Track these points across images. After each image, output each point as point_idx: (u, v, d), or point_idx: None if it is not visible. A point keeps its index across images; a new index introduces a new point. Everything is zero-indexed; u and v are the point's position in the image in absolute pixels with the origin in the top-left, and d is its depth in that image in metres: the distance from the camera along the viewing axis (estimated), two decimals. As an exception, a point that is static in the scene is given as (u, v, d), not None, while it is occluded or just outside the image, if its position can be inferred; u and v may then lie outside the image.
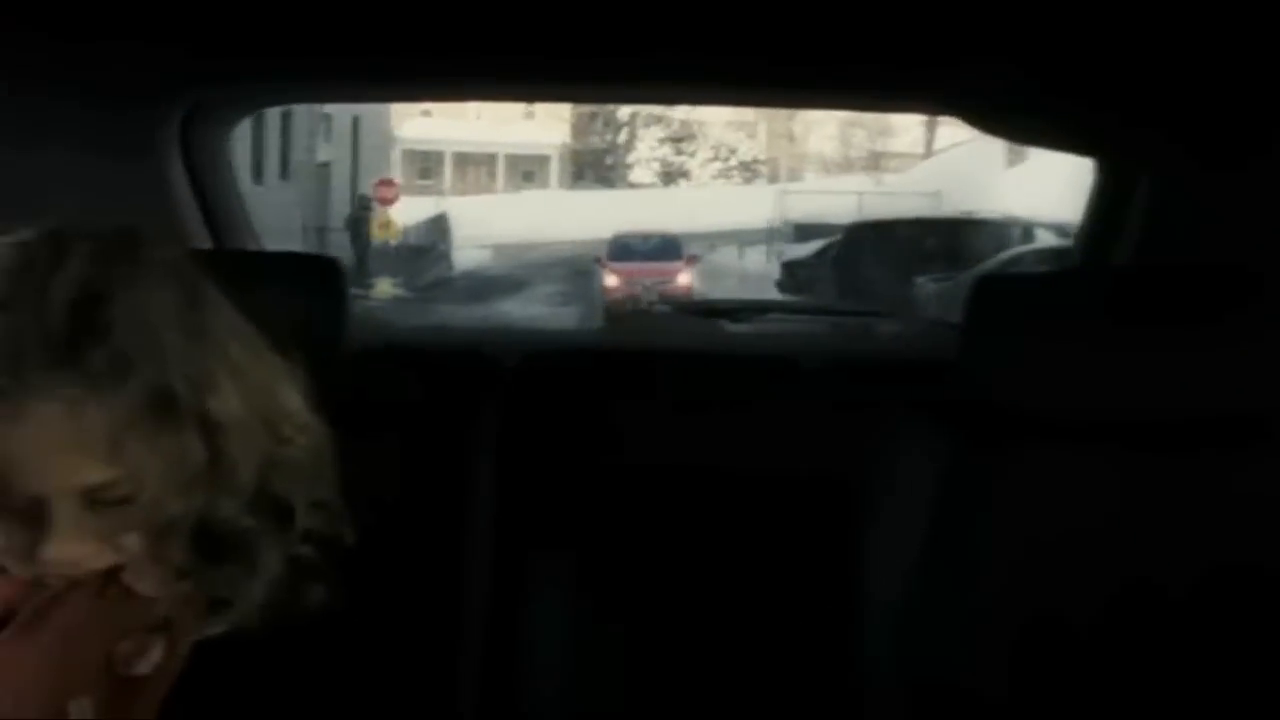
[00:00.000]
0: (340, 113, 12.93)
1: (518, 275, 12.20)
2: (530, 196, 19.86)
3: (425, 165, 22.60)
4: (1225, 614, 0.99)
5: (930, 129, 16.85)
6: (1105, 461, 1.03)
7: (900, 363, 1.33)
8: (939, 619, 1.03)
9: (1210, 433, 0.98)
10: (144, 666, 0.80)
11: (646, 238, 11.11)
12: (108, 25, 1.14)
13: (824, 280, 9.70)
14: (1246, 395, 0.97)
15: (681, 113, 21.82)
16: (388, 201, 12.24)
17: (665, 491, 1.22)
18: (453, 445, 1.06)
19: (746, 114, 19.90)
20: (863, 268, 8.41)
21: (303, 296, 1.05)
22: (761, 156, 21.87)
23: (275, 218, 9.11)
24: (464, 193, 21.36)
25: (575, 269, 12.27)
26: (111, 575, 0.79)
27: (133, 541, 0.78)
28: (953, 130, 13.35)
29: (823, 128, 20.16)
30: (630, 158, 23.51)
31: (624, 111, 22.43)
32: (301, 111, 11.13)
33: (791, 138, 20.71)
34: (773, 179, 20.67)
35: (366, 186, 12.83)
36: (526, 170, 23.02)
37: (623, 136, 23.90)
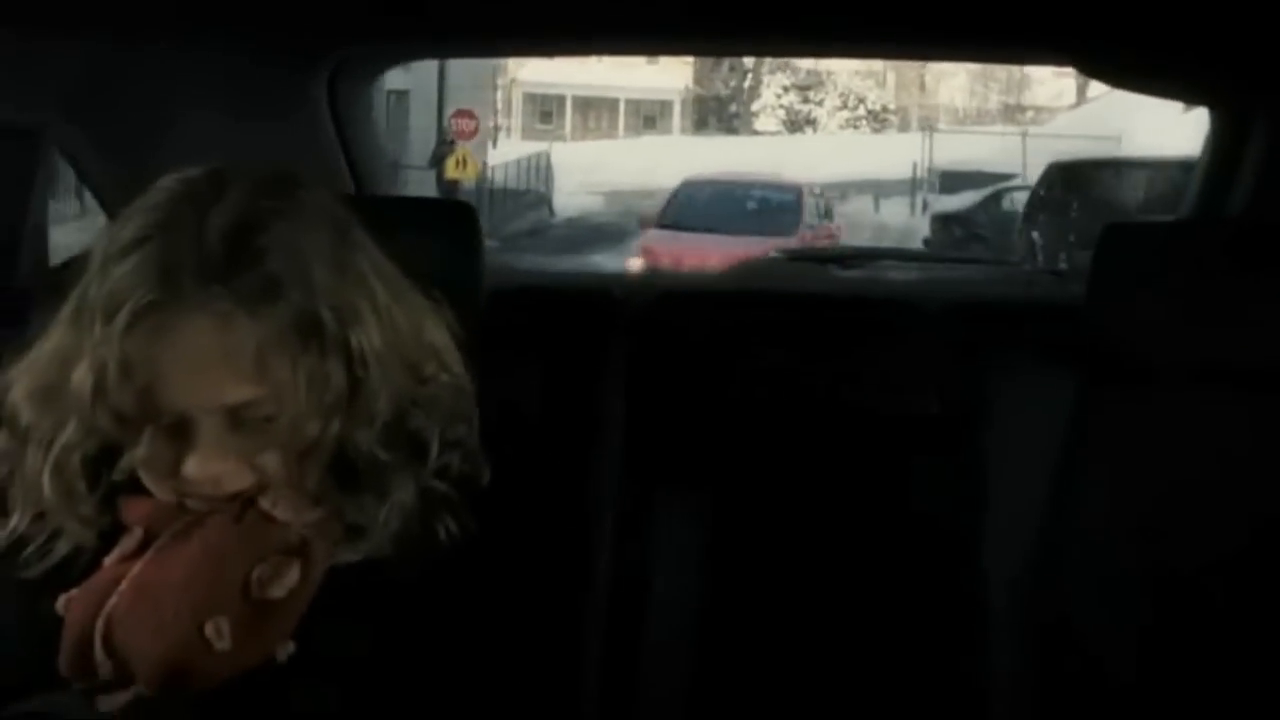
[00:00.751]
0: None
1: (624, 224, 11.71)
2: (650, 142, 19.73)
3: (545, 109, 22.74)
4: None
5: (1081, 78, 16.07)
6: (1231, 407, 1.07)
7: (1015, 307, 1.37)
8: (1060, 561, 1.09)
9: None
10: (279, 590, 0.82)
11: (743, 188, 7.95)
12: None
13: (986, 235, 8.61)
14: None
15: (808, 60, 21.47)
16: (466, 135, 11.18)
17: (788, 430, 1.27)
18: (583, 385, 1.12)
19: (875, 63, 19.53)
20: (1069, 215, 7.24)
21: (441, 240, 1.11)
22: (891, 105, 21.36)
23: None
24: (584, 137, 21.48)
25: None
26: (250, 500, 0.83)
27: (272, 462, 0.82)
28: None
29: (953, 79, 19.59)
30: (755, 105, 23.27)
31: (749, 58, 22.17)
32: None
33: (922, 87, 20.18)
34: (903, 129, 20.25)
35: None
36: (648, 115, 22.93)
37: (747, 83, 23.64)
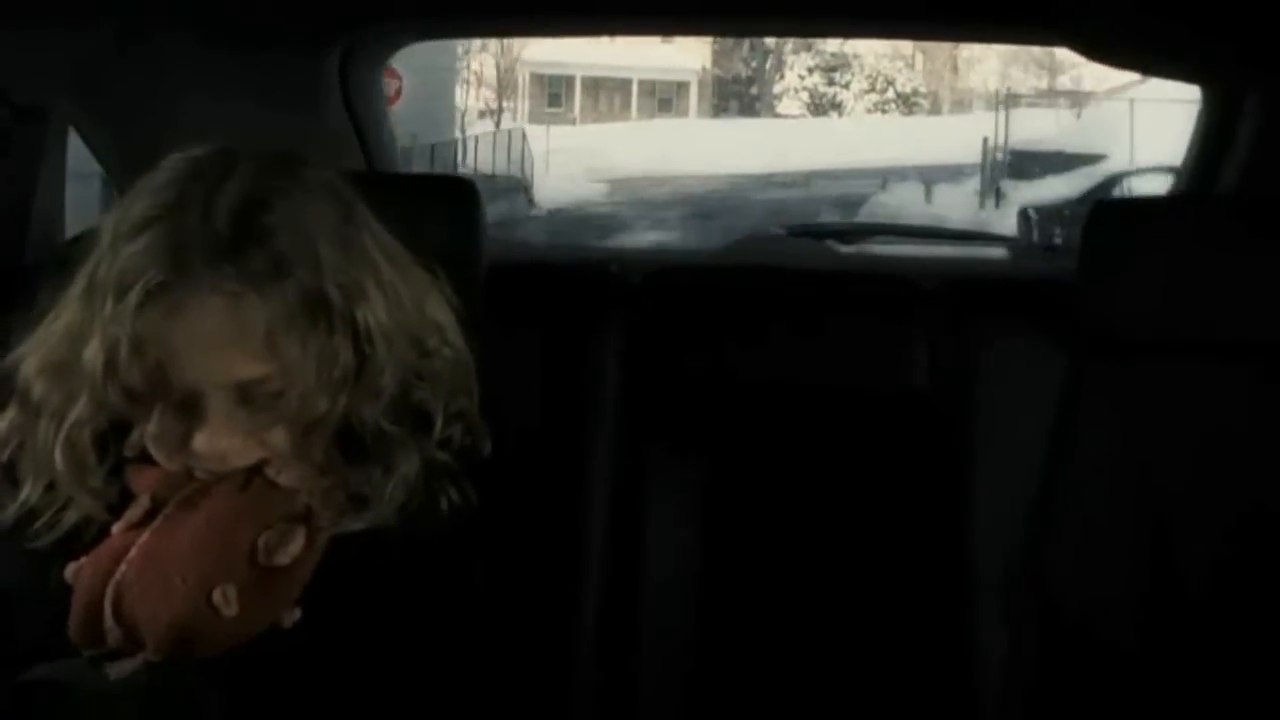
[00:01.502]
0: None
1: (622, 216, 11.24)
2: (663, 125, 19.55)
3: (554, 90, 22.37)
4: None
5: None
6: (1220, 380, 1.17)
7: (1010, 283, 1.45)
8: (1051, 534, 1.17)
9: None
10: (284, 557, 0.87)
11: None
12: None
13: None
14: None
15: (834, 41, 21.46)
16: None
17: (781, 403, 1.36)
18: (581, 358, 1.22)
19: (904, 46, 19.55)
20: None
21: (443, 216, 1.19)
22: (922, 89, 21.35)
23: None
24: (596, 120, 21.21)
25: (696, 210, 11.20)
26: (255, 469, 0.89)
27: (279, 438, 0.88)
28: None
29: (984, 63, 19.68)
30: (778, 87, 23.23)
31: (771, 38, 22.18)
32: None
33: (955, 69, 20.24)
34: (934, 113, 20.29)
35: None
36: (664, 98, 22.64)
37: (769, 64, 23.60)
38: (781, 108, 22.84)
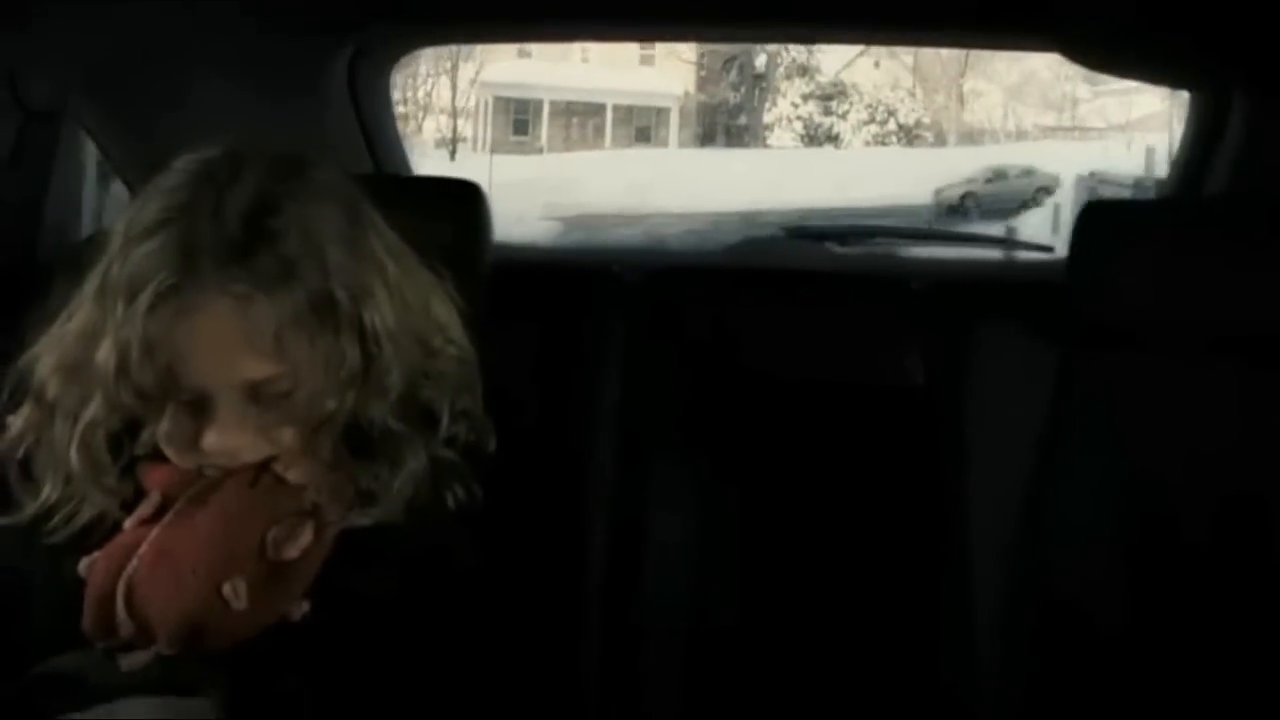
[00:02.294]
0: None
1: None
2: (641, 156, 19.29)
3: (520, 116, 21.90)
4: None
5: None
6: (1209, 376, 1.34)
7: (1004, 283, 1.67)
8: (1045, 526, 1.34)
9: None
10: (293, 551, 0.99)
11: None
12: None
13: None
14: None
15: (829, 66, 21.68)
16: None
17: (779, 400, 1.55)
18: (582, 357, 1.40)
19: (905, 75, 20.01)
20: None
21: (448, 217, 1.36)
22: (926, 120, 21.60)
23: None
24: (568, 149, 20.85)
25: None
26: (265, 465, 1.00)
27: (288, 435, 1.00)
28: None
29: (987, 97, 20.17)
30: (768, 116, 23.25)
31: (760, 60, 22.00)
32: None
33: (961, 100, 20.64)
34: (938, 145, 20.55)
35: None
36: (641, 125, 22.34)
37: (759, 90, 23.54)
38: (773, 139, 22.78)
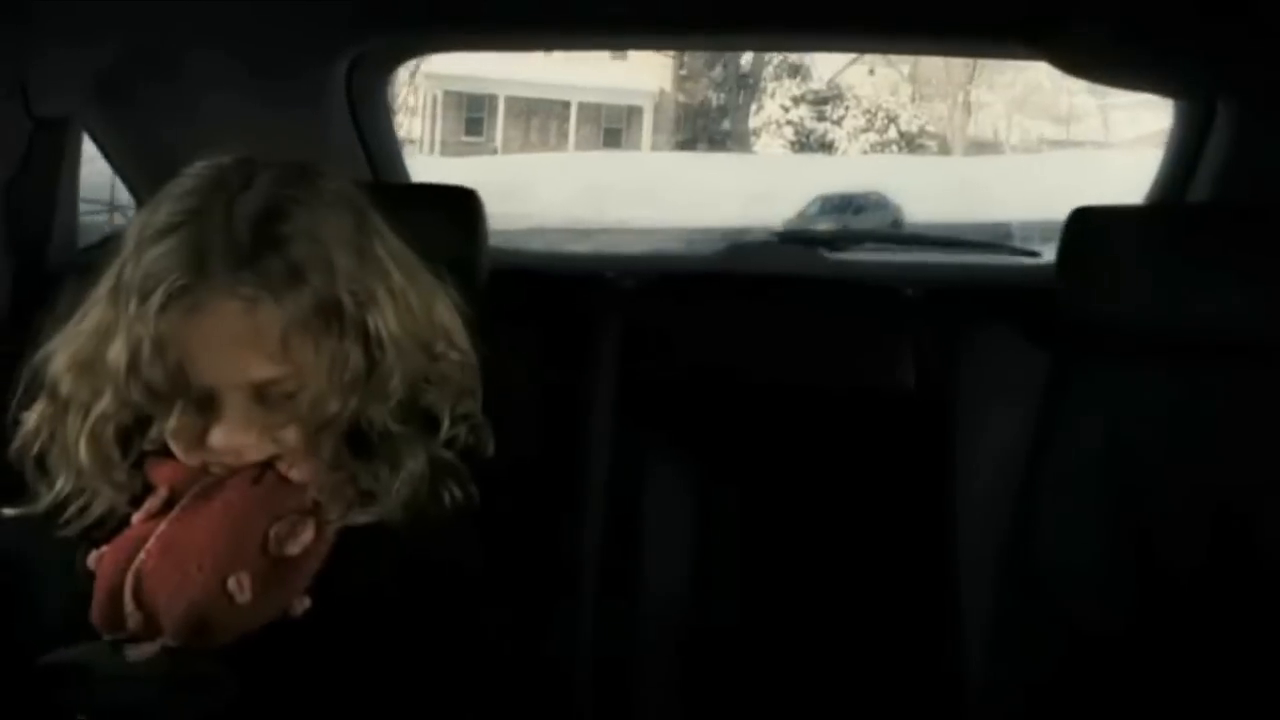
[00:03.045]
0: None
1: None
2: (610, 159, 19.04)
3: (474, 114, 21.49)
4: None
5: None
6: (1194, 380, 1.51)
7: (995, 288, 1.87)
8: (1039, 528, 1.50)
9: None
10: (295, 547, 1.12)
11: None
12: None
13: None
14: None
15: (826, 70, 21.65)
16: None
17: (772, 405, 1.73)
18: (578, 362, 1.55)
19: (905, 81, 20.29)
20: None
21: (447, 223, 1.53)
22: (930, 128, 21.56)
23: None
24: (527, 151, 20.31)
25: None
26: (269, 464, 1.14)
27: (292, 435, 1.13)
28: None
29: (991, 108, 20.43)
30: (755, 120, 22.93)
31: (746, 58, 21.75)
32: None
33: (968, 108, 20.78)
34: (943, 154, 20.71)
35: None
36: (611, 127, 22.03)
37: (744, 91, 23.22)
38: (760, 145, 22.81)
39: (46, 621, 1.14)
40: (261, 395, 1.11)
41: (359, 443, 1.17)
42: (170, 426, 1.12)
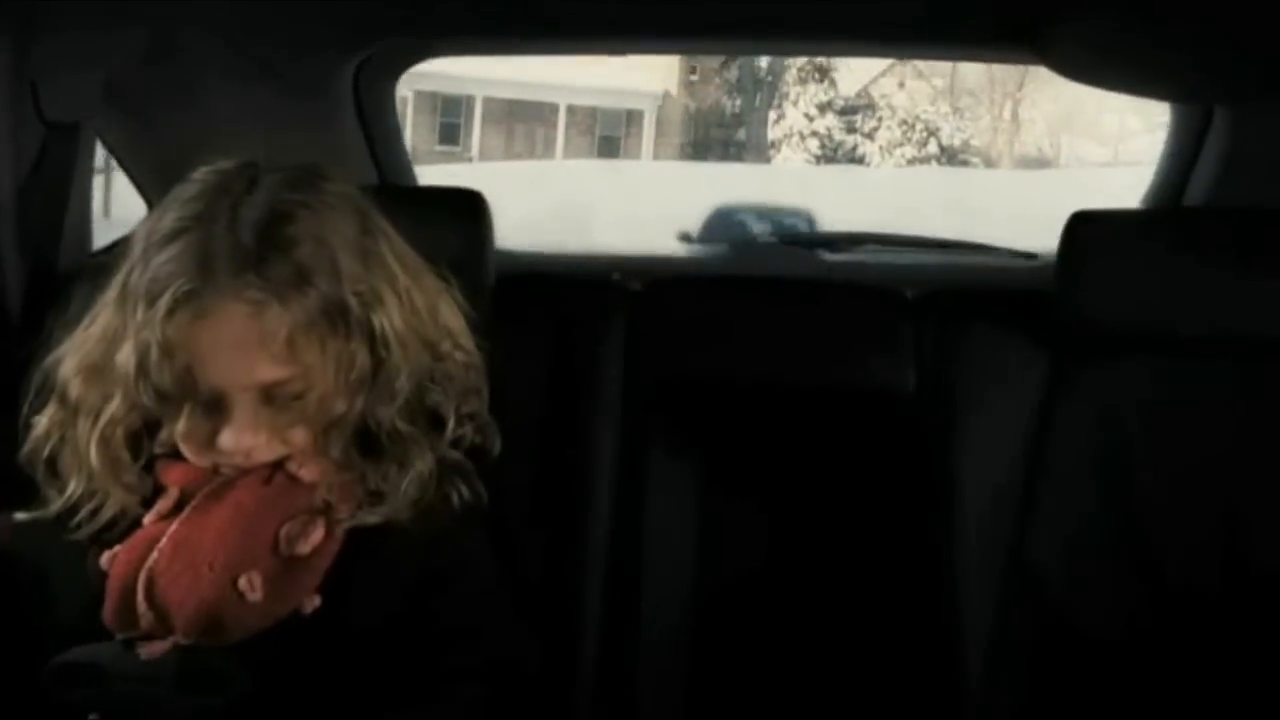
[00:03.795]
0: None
1: None
2: (600, 168, 18.48)
3: (449, 119, 21.52)
4: None
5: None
6: (1190, 380, 1.70)
7: (993, 290, 1.99)
8: (1037, 529, 1.68)
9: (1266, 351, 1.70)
10: (305, 546, 1.24)
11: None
12: None
13: None
14: None
15: (855, 76, 21.56)
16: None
17: (773, 405, 1.92)
18: (584, 361, 1.76)
19: (938, 85, 20.28)
20: None
21: (454, 226, 1.73)
22: (975, 142, 21.49)
23: None
24: (511, 160, 20.02)
25: None
26: (278, 464, 1.27)
27: (300, 436, 1.26)
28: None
29: (1033, 125, 20.47)
30: (775, 130, 23.02)
31: (763, 60, 21.74)
32: None
33: (1016, 118, 20.76)
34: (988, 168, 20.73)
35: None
36: (607, 135, 21.71)
37: (760, 93, 23.23)
38: (780, 159, 22.85)
39: (59, 622, 1.27)
40: (269, 396, 1.24)
41: (367, 443, 1.31)
42: (180, 429, 1.25)
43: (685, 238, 8.01)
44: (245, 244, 1.20)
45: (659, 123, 22.27)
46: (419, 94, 20.75)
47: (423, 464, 1.32)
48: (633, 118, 22.10)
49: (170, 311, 1.18)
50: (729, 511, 1.89)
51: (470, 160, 20.52)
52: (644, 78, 21.41)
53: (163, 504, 1.28)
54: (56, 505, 1.30)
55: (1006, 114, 21.62)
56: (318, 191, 1.27)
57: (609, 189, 14.64)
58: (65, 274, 1.88)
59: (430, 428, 1.34)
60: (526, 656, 1.41)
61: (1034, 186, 15.94)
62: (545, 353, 1.72)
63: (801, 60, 22.20)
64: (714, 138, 23.62)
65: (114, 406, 1.27)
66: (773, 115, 23.63)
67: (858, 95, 22.29)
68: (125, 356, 1.21)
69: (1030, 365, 1.78)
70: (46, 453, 1.32)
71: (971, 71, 20.34)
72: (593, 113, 22.09)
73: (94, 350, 1.28)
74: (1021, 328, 1.81)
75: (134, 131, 2.16)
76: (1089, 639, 1.69)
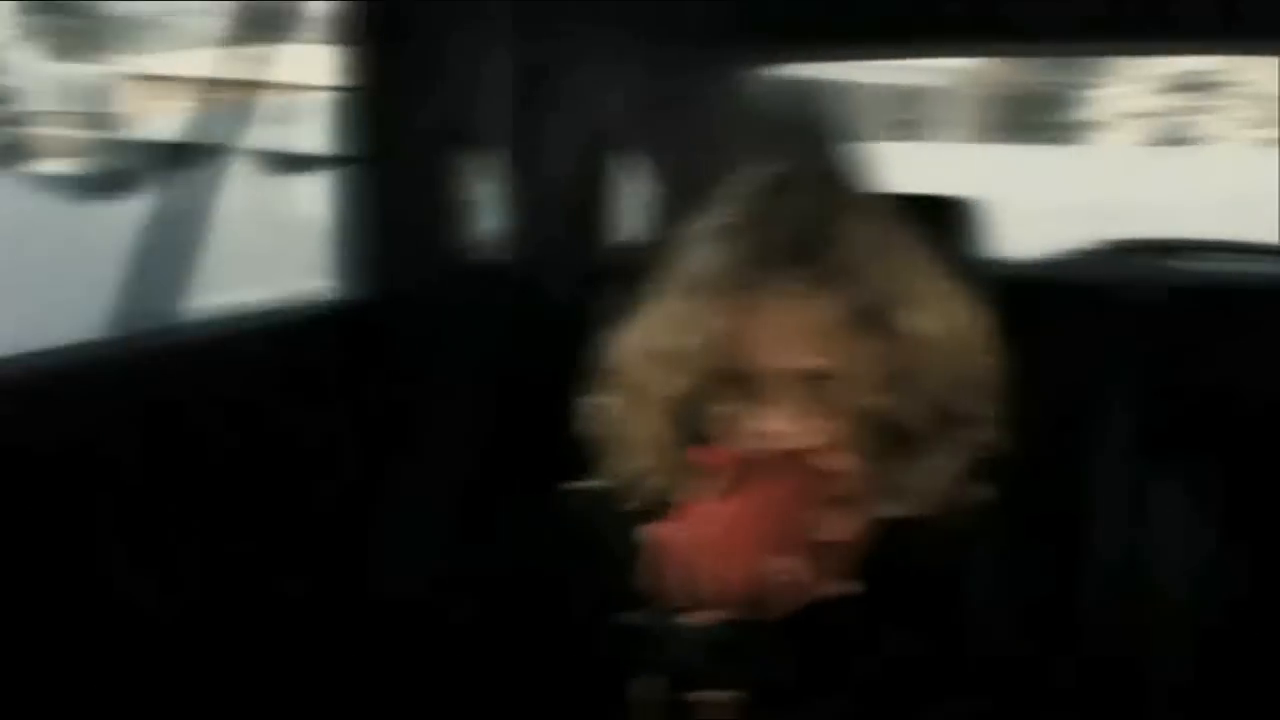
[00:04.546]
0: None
1: None
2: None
3: None
4: None
5: None
6: None
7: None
8: None
9: None
10: (834, 534, 1.44)
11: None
12: None
13: None
14: None
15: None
16: None
17: None
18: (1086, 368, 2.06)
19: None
20: None
21: (959, 235, 2.05)
22: None
23: None
24: None
25: None
26: (804, 454, 1.47)
27: (831, 426, 1.49)
28: None
29: None
30: (1097, 110, 23.02)
31: None
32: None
33: None
34: None
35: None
36: (903, 117, 20.91)
37: (1074, 70, 22.56)
38: (1106, 143, 22.84)
39: (611, 585, 1.51)
40: (805, 386, 1.49)
41: (889, 436, 1.54)
42: (721, 414, 1.52)
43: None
44: (790, 242, 1.48)
45: (952, 102, 22.47)
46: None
47: (943, 462, 1.56)
48: (912, 95, 22.02)
49: (731, 299, 1.48)
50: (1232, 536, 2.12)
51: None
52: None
53: (704, 485, 1.49)
54: (608, 478, 1.62)
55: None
56: (853, 196, 1.60)
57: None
58: (598, 267, 2.41)
59: (952, 427, 1.57)
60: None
61: None
62: (1052, 362, 1.87)
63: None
64: (1009, 109, 23.71)
65: (670, 389, 1.55)
66: (1093, 95, 23.47)
67: (1196, 73, 21.73)
68: (687, 341, 1.51)
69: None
70: (603, 429, 1.63)
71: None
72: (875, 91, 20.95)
73: (652, 336, 1.58)
74: None
75: (651, 150, 2.76)
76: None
